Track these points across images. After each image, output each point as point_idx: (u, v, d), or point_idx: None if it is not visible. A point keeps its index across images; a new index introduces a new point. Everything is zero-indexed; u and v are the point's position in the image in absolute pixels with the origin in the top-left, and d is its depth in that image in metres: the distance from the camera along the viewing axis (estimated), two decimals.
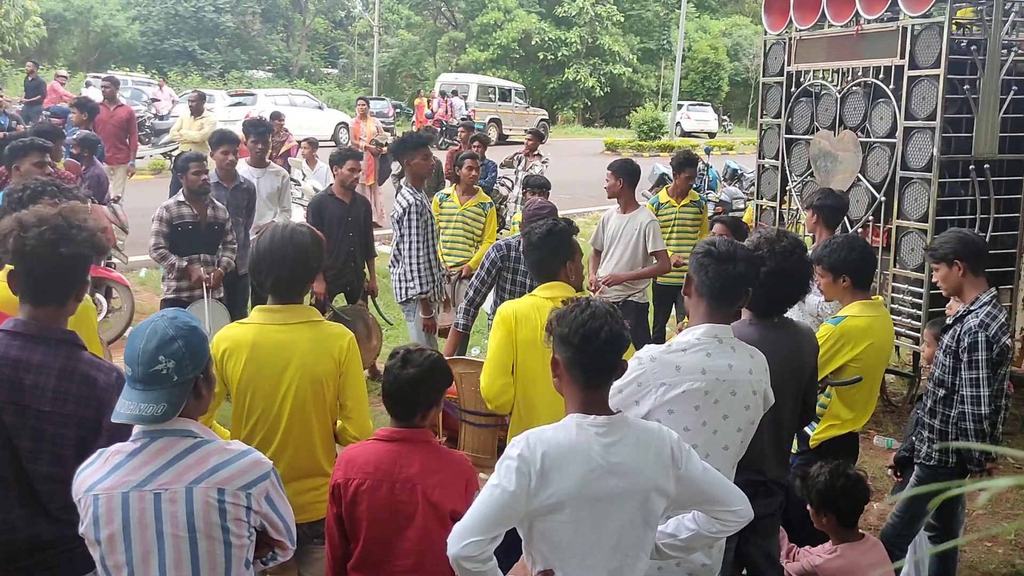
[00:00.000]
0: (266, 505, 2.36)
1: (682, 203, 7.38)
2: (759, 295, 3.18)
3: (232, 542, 2.30)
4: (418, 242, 5.71)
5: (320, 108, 27.73)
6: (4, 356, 2.50)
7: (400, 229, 5.75)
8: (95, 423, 2.53)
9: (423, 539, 2.78)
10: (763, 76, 7.78)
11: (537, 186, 7.20)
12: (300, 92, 29.93)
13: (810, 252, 3.96)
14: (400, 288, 5.90)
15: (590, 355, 2.41)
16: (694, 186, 8.06)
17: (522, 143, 12.20)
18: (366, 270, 7.23)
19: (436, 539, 2.78)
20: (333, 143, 23.26)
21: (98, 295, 7.43)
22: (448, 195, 7.35)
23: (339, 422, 3.28)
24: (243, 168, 7.23)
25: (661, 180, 15.95)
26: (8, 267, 2.65)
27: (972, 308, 3.87)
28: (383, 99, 32.99)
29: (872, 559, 3.31)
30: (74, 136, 8.31)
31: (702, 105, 40.48)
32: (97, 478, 2.26)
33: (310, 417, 3.18)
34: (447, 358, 4.81)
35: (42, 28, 32.26)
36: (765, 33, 7.75)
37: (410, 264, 5.74)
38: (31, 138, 5.45)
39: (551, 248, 3.85)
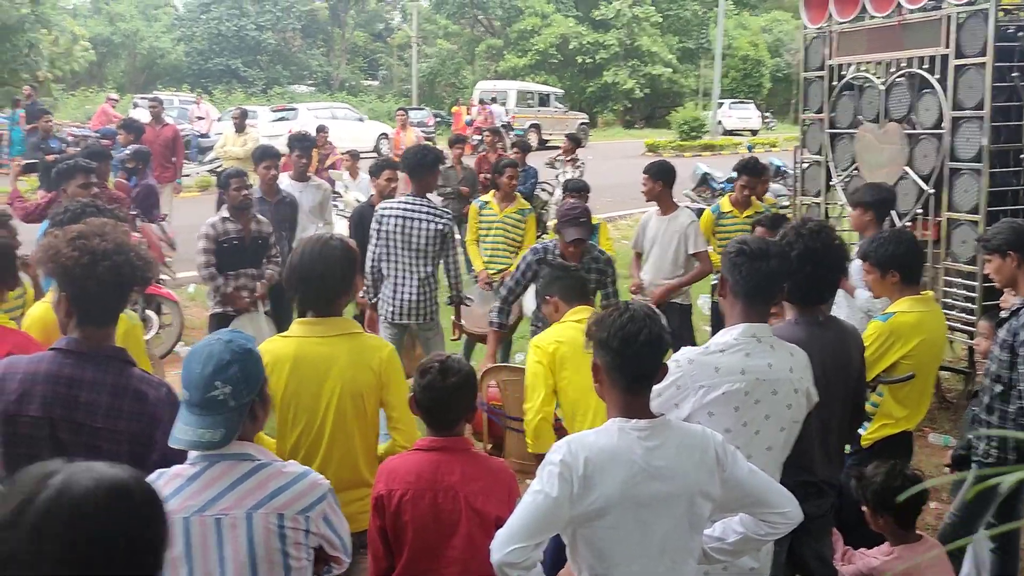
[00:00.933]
0: (324, 526, 2.36)
1: (745, 214, 6.74)
2: (796, 283, 3.15)
3: (292, 565, 2.31)
4: (459, 251, 5.69)
5: (361, 120, 27.98)
6: (57, 375, 2.53)
7: (444, 242, 5.57)
8: (147, 439, 2.55)
9: (468, 547, 2.78)
10: (804, 71, 7.68)
11: (575, 190, 7.15)
12: (341, 105, 30.23)
13: (856, 249, 3.89)
14: (433, 304, 5.66)
15: (630, 358, 2.39)
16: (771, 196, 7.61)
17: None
18: None
19: (481, 546, 2.76)
20: (375, 154, 23.46)
21: (148, 311, 7.56)
22: (487, 202, 7.35)
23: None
24: (285, 182, 7.31)
25: (703, 180, 15.87)
26: (52, 291, 2.68)
27: None
28: (423, 109, 33.20)
29: (931, 561, 3.23)
30: (126, 152, 8.48)
31: (744, 103, 40.08)
32: None
33: (352, 429, 3.19)
34: (492, 364, 4.88)
35: (90, 52, 33.10)
36: (805, 27, 7.65)
37: (454, 272, 5.77)
38: (75, 160, 5.57)
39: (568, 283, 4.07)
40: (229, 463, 2.30)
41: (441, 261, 5.69)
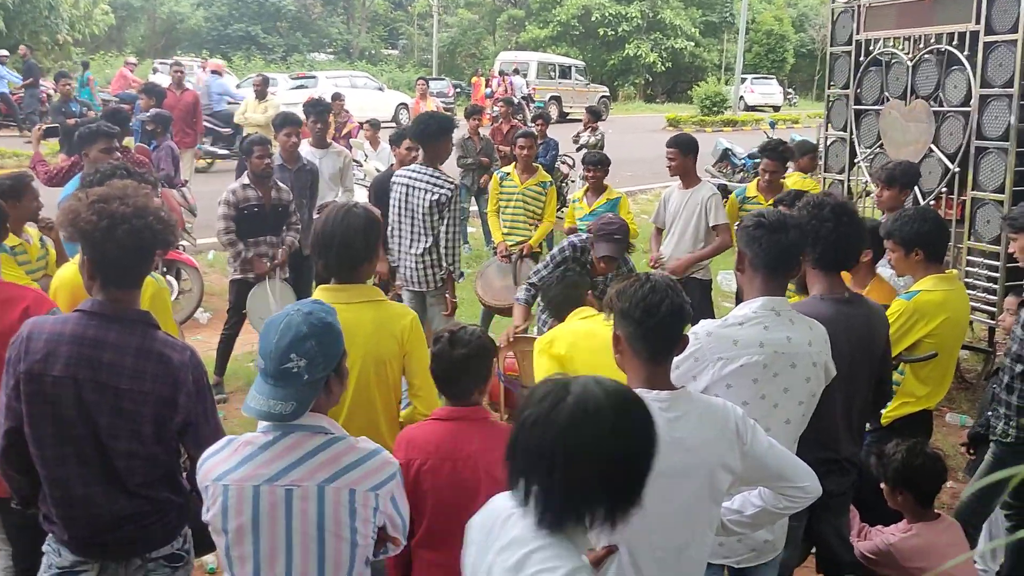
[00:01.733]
0: (391, 505, 2.36)
1: (770, 201, 6.28)
2: (822, 248, 3.20)
3: (359, 542, 2.30)
4: (461, 224, 5.57)
5: (380, 89, 27.88)
6: (82, 336, 2.55)
7: (443, 212, 5.44)
8: (171, 401, 2.57)
9: None
10: (831, 46, 7.59)
11: (594, 163, 7.01)
12: (361, 74, 30.11)
13: (881, 227, 3.87)
14: (436, 275, 5.55)
15: (652, 329, 2.38)
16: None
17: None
18: None
19: None
20: (394, 124, 23.40)
21: (169, 277, 7.60)
22: (508, 174, 7.34)
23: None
24: (305, 149, 7.31)
25: (724, 155, 15.75)
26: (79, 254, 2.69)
27: None
28: (443, 79, 33.03)
29: (949, 539, 3.24)
30: (147, 114, 8.50)
31: (766, 78, 39.64)
32: (227, 467, 2.26)
33: (374, 396, 3.22)
34: (516, 335, 4.90)
35: (110, 16, 32.98)
36: (832, 1, 7.54)
37: (452, 246, 5.52)
38: (98, 124, 5.58)
39: (568, 285, 4.13)
40: (303, 435, 2.28)
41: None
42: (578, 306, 3.93)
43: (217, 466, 2.28)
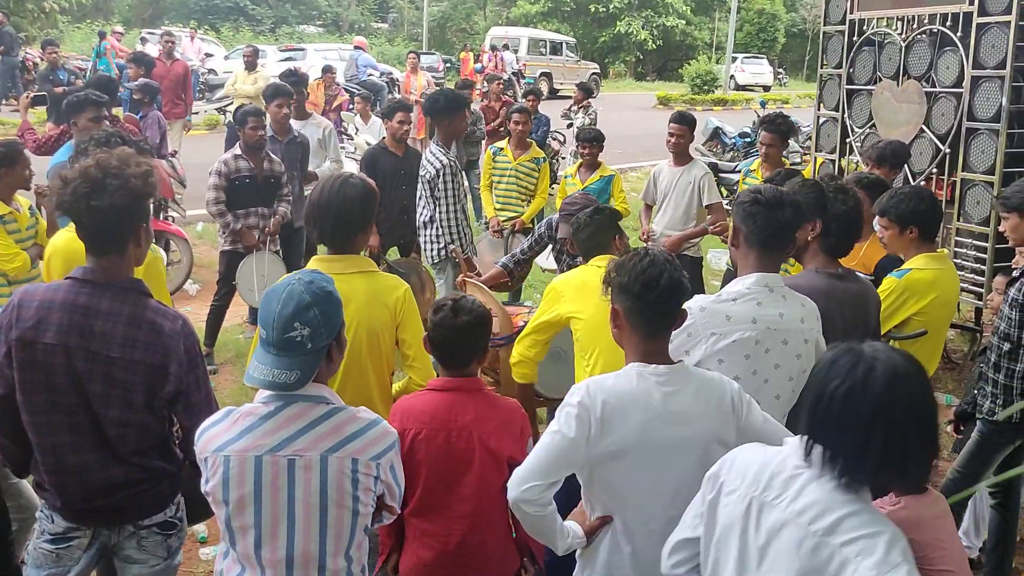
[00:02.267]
0: (390, 474, 2.37)
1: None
2: (834, 235, 3.28)
3: (360, 511, 2.31)
4: (453, 203, 5.55)
5: None
6: (74, 303, 2.53)
7: (434, 191, 5.52)
8: (162, 370, 2.56)
9: (480, 484, 2.82)
10: (824, 25, 7.59)
11: (588, 140, 7.05)
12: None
13: (876, 204, 3.89)
14: (433, 248, 5.65)
15: (651, 303, 2.40)
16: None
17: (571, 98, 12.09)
18: None
19: (492, 484, 2.82)
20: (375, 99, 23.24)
21: (158, 248, 7.58)
22: (501, 149, 7.32)
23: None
24: None
25: (715, 134, 15.76)
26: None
27: None
28: (433, 53, 32.82)
29: (936, 511, 3.27)
30: (135, 85, 8.43)
31: (757, 58, 39.55)
32: (228, 438, 2.25)
33: (366, 366, 3.23)
34: (470, 280, 4.86)
35: None
36: None
37: (447, 224, 5.55)
38: (86, 93, 5.52)
39: (600, 225, 3.89)
40: (305, 405, 2.28)
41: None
42: (607, 250, 3.84)
43: (217, 437, 2.27)
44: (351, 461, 2.26)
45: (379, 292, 3.23)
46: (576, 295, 3.61)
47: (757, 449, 2.06)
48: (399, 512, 2.58)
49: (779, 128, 6.05)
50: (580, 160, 7.14)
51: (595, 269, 3.66)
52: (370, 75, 19.54)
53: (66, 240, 3.51)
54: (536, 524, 2.40)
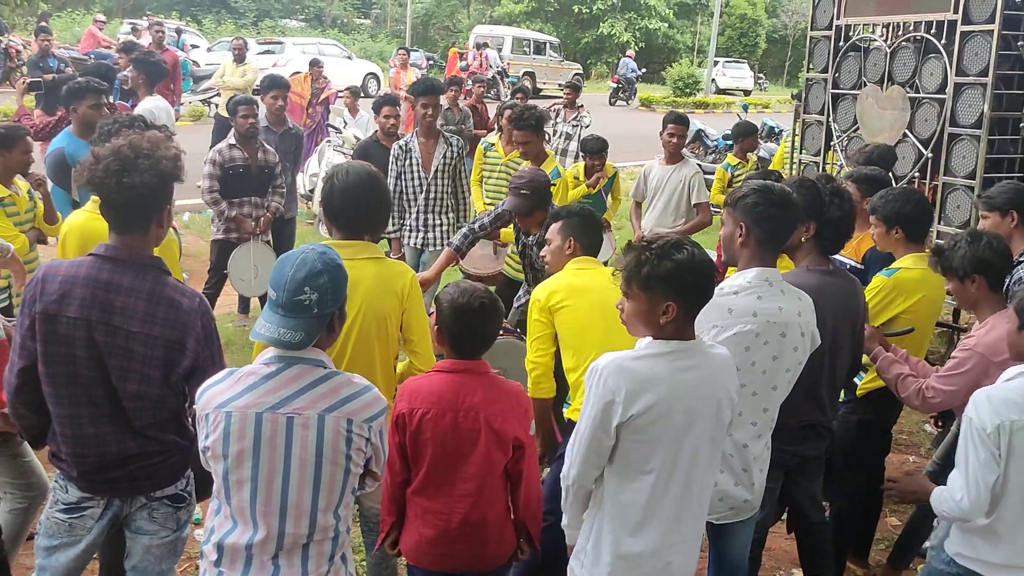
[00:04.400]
0: (379, 439, 2.47)
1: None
2: (832, 232, 3.40)
3: (351, 470, 2.41)
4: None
5: (349, 58, 27.69)
6: (96, 279, 2.60)
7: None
8: (180, 345, 2.64)
9: (485, 463, 2.90)
10: (811, 30, 7.73)
11: (595, 151, 7.03)
12: (329, 42, 29.84)
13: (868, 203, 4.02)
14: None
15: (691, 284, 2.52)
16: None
17: (557, 97, 12.13)
18: None
19: (496, 463, 2.92)
20: (362, 94, 23.23)
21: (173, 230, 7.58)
22: (492, 144, 7.38)
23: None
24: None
25: (697, 136, 15.95)
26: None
27: (1022, 259, 3.90)
28: (416, 50, 32.80)
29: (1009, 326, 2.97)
30: (125, 74, 8.41)
31: (738, 62, 39.86)
32: (230, 395, 2.35)
33: (373, 351, 3.29)
34: (430, 278, 4.86)
35: None
36: None
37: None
38: (88, 80, 5.54)
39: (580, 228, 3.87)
40: (305, 366, 2.38)
41: None
42: (599, 239, 3.89)
43: (219, 394, 2.36)
44: (346, 421, 2.36)
45: (387, 278, 3.29)
46: (567, 293, 3.63)
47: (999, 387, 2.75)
48: (381, 478, 2.66)
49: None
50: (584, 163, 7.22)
51: (577, 272, 3.71)
52: None
53: (84, 219, 3.56)
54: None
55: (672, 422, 2.51)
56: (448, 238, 6.07)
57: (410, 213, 6.17)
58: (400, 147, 6.11)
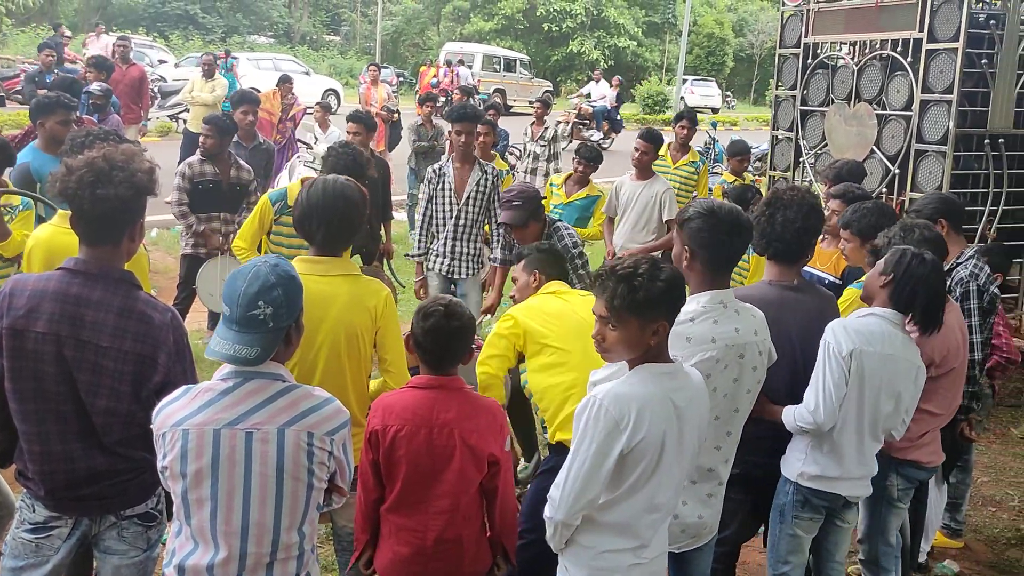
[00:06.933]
0: (342, 452, 2.44)
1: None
2: (784, 241, 3.37)
3: (314, 484, 2.37)
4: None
5: (307, 74, 27.50)
6: (65, 293, 2.55)
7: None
8: (151, 360, 2.59)
9: (459, 480, 2.87)
10: (780, 48, 7.84)
11: (589, 159, 6.98)
12: (285, 57, 29.66)
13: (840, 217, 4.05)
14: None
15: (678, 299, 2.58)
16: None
17: (527, 114, 12.16)
18: (382, 232, 7.27)
19: (471, 480, 2.89)
20: (334, 109, 23.14)
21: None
22: None
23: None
24: None
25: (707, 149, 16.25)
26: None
27: (960, 261, 4.02)
28: (387, 67, 32.80)
29: None
30: (94, 88, 8.32)
31: (706, 80, 40.27)
32: (187, 413, 2.31)
33: (344, 368, 3.25)
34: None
35: None
36: (783, 4, 7.79)
37: None
38: (57, 95, 5.46)
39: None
40: (263, 381, 2.35)
41: None
42: (564, 270, 3.96)
43: (176, 412, 2.32)
44: (307, 434, 2.33)
45: (361, 296, 3.26)
46: (543, 320, 3.62)
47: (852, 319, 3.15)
48: (347, 495, 2.62)
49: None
50: (571, 173, 7.09)
51: (551, 296, 3.76)
52: None
53: (50, 233, 3.50)
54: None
55: (668, 443, 2.53)
56: (476, 265, 5.96)
57: (439, 238, 5.96)
58: (434, 171, 5.95)
